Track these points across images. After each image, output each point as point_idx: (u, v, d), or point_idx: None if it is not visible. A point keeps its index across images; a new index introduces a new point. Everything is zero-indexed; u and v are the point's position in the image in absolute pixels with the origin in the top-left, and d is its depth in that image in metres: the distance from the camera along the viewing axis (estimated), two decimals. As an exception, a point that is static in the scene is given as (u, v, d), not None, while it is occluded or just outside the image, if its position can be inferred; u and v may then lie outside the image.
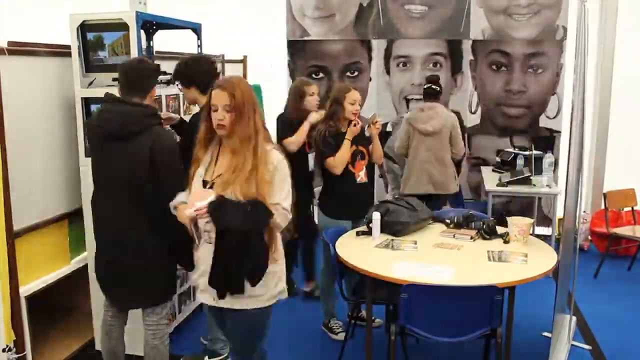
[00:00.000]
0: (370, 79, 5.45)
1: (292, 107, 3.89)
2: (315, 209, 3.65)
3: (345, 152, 3.38)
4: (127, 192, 2.51)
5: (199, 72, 3.00)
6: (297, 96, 3.86)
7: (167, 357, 2.72)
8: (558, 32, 5.08)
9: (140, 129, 2.48)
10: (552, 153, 5.12)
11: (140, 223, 2.53)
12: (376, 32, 5.38)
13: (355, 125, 3.40)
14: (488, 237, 3.22)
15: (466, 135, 5.39)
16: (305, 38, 5.48)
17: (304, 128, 3.73)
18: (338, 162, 3.38)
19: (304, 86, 3.87)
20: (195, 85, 3.00)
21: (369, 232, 3.23)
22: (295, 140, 3.72)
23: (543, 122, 5.26)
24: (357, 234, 3.28)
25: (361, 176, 3.49)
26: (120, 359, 2.78)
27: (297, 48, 5.52)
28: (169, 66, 3.72)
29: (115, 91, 3.17)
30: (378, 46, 5.40)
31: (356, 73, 5.47)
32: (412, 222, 3.28)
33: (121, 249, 2.56)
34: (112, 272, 2.61)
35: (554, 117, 5.24)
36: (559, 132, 5.24)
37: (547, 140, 5.23)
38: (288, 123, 3.83)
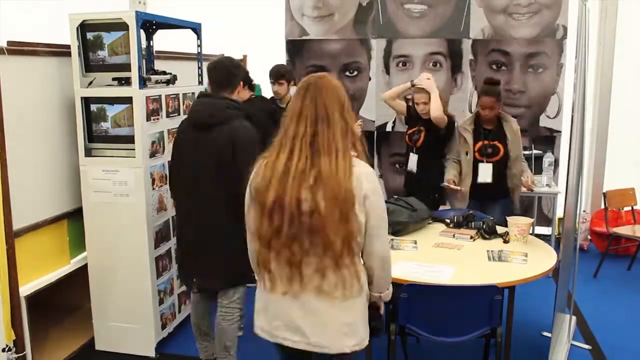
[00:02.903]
0: (370, 79, 5.44)
1: None
2: None
3: None
4: (210, 180, 2.72)
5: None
6: None
7: (232, 339, 2.89)
8: (558, 32, 5.07)
9: (223, 120, 2.72)
10: (553, 153, 5.13)
11: (221, 209, 2.71)
12: (375, 32, 5.38)
13: None
14: (488, 236, 3.22)
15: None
16: (304, 37, 5.48)
17: None
18: None
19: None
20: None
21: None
22: None
23: (543, 121, 5.25)
24: None
25: None
26: (205, 331, 3.04)
27: (296, 48, 5.51)
28: (168, 66, 3.73)
29: (114, 91, 3.21)
30: (377, 46, 5.39)
31: (355, 73, 5.46)
32: (412, 221, 3.28)
33: (203, 235, 2.77)
34: (193, 256, 2.85)
35: (554, 117, 5.22)
36: (559, 132, 5.22)
37: (547, 140, 5.23)
38: None
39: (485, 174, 3.71)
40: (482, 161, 3.73)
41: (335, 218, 1.82)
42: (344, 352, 1.93)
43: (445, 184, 3.79)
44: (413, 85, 3.98)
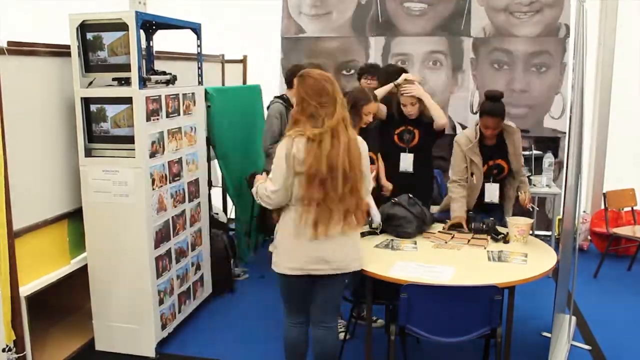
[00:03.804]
0: (370, 78, 5.42)
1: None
2: None
3: None
4: None
5: None
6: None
7: None
8: (561, 30, 5.04)
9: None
10: (557, 154, 5.08)
11: None
12: (374, 30, 5.36)
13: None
14: (498, 239, 3.19)
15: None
16: (300, 35, 5.45)
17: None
18: None
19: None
20: None
21: (371, 233, 3.24)
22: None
23: (547, 122, 5.19)
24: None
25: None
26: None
27: (292, 46, 5.48)
28: (168, 66, 3.73)
29: (114, 91, 3.21)
30: (376, 44, 5.36)
31: (352, 71, 5.41)
32: (417, 234, 3.27)
33: None
34: None
35: (558, 118, 5.17)
36: (564, 132, 5.10)
37: (551, 141, 5.16)
38: None
39: (493, 194, 3.51)
40: (489, 181, 3.52)
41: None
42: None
43: (452, 222, 3.39)
44: (397, 86, 3.76)
